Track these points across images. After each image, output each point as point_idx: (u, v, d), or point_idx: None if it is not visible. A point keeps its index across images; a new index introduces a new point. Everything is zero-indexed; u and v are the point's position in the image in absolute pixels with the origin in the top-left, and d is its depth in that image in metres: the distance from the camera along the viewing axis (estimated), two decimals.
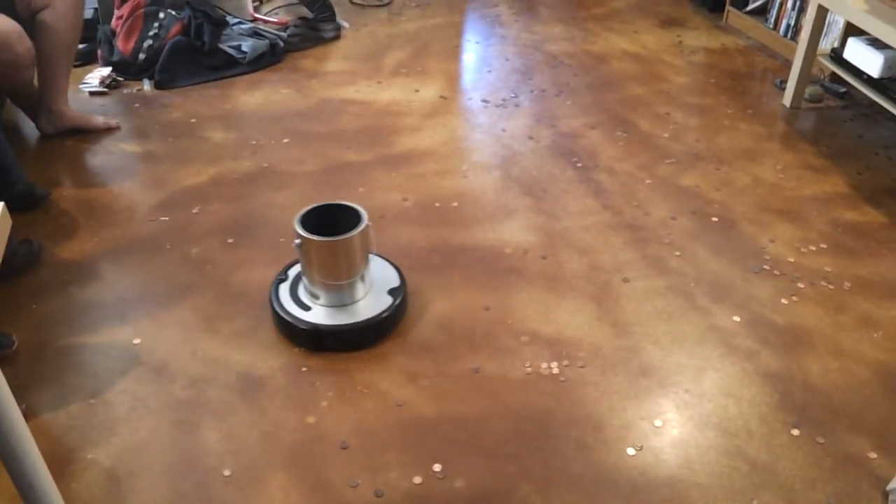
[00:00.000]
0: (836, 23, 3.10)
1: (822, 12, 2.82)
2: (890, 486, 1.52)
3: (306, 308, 1.93)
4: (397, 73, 3.25)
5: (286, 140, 2.76)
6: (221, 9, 3.59)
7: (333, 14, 3.61)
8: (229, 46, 3.28)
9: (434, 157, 2.67)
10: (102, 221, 2.34)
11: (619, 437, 1.64)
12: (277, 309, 1.92)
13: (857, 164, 2.67)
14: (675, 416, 1.70)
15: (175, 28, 3.22)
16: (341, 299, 1.93)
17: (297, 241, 1.87)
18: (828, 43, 3.12)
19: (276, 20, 3.66)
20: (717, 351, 1.87)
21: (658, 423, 1.68)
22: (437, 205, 2.42)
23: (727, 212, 2.39)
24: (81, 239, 2.27)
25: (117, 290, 2.08)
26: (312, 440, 1.64)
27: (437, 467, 1.57)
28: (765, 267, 2.16)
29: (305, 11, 3.61)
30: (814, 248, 2.24)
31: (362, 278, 1.94)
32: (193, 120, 2.89)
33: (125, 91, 3.11)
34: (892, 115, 2.93)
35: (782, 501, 1.50)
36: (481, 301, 2.03)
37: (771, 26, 3.50)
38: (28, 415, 1.68)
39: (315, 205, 1.94)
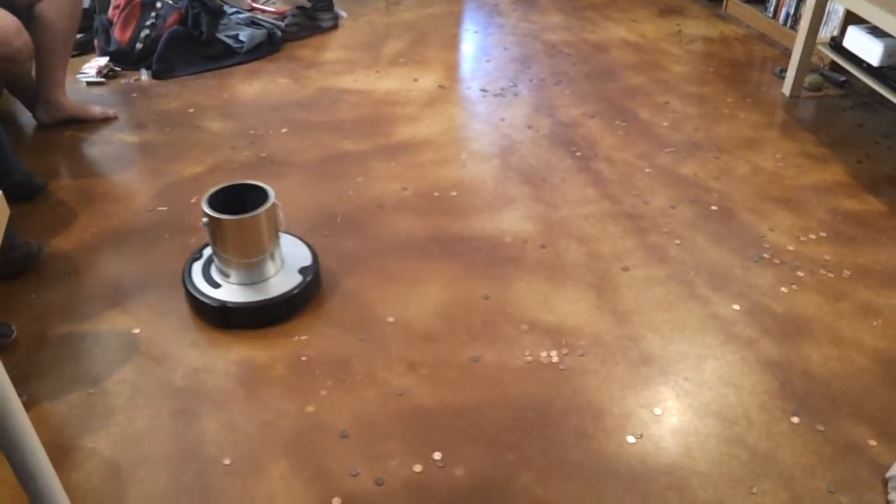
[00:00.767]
0: (836, 11, 3.10)
1: (822, 0, 2.81)
2: (889, 474, 1.52)
3: (216, 286, 1.95)
4: (395, 63, 3.24)
5: (284, 130, 2.75)
6: None
7: (331, 3, 3.60)
8: (227, 36, 3.27)
9: (433, 147, 2.66)
10: (100, 212, 2.34)
11: (619, 426, 1.64)
12: (188, 286, 1.95)
13: (857, 152, 2.67)
14: (675, 404, 1.70)
15: (172, 17, 3.21)
16: (251, 277, 1.95)
17: (204, 219, 1.89)
18: (827, 31, 3.11)
19: (273, 9, 3.64)
20: (717, 339, 1.87)
21: (658, 411, 1.68)
22: (435, 194, 2.41)
23: (727, 200, 2.38)
24: (80, 229, 2.26)
25: (116, 280, 2.07)
26: (312, 429, 1.63)
27: (437, 455, 1.57)
28: (764, 255, 2.16)
29: (303, 1, 3.59)
30: (813, 237, 2.23)
31: (272, 256, 1.97)
32: (191, 110, 2.88)
33: (122, 81, 3.10)
34: (892, 103, 2.92)
35: (782, 489, 1.50)
36: (481, 290, 2.03)
37: (770, 15, 3.49)
38: (28, 405, 1.68)
39: (224, 185, 1.97)
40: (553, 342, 1.86)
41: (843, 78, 3.13)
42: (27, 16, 2.50)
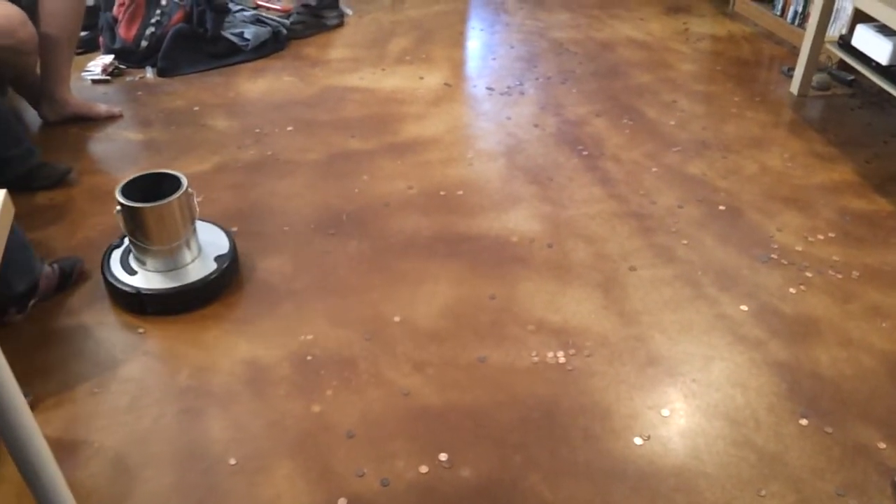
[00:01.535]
0: (845, 9, 3.08)
1: None
2: None
3: (132, 273, 1.97)
4: (401, 61, 3.23)
5: (290, 128, 2.75)
6: None
7: (337, 1, 3.59)
8: (232, 34, 3.26)
9: (439, 145, 2.65)
10: (106, 210, 2.33)
11: (627, 427, 1.63)
12: (105, 273, 1.98)
13: (865, 152, 2.65)
14: (683, 405, 1.69)
15: (177, 15, 3.20)
16: (167, 264, 1.98)
17: (118, 208, 1.91)
18: (836, 30, 3.09)
19: (278, 7, 3.63)
20: (725, 340, 1.86)
21: (665, 412, 1.67)
22: (442, 193, 2.40)
23: (734, 200, 2.37)
24: (84, 227, 2.26)
25: None
26: (318, 429, 1.63)
27: (443, 456, 1.57)
28: (772, 256, 2.14)
29: None
30: (822, 237, 2.22)
31: (188, 244, 2.00)
32: (196, 108, 2.88)
33: (128, 79, 3.10)
34: None
35: (790, 492, 1.49)
36: (487, 290, 2.02)
37: (778, 13, 3.48)
38: (33, 404, 1.67)
39: (139, 174, 1.99)
40: (560, 342, 1.85)
41: (851, 77, 3.11)
42: (32, 10, 2.50)
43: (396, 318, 1.93)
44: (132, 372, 1.78)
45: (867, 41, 2.69)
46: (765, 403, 1.69)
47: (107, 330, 1.91)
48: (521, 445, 1.59)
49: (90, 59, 3.13)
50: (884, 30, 2.64)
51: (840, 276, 2.07)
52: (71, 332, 1.90)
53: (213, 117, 2.82)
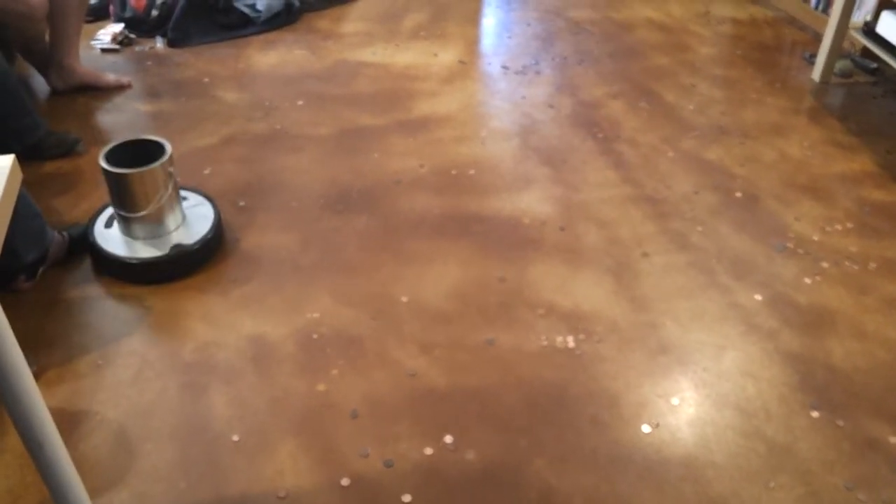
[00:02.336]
0: None
1: None
2: None
3: (119, 241, 1.99)
4: (415, 37, 3.18)
5: (300, 102, 2.71)
6: None
7: None
8: (244, 5, 3.22)
9: (452, 123, 2.61)
10: None
11: (635, 414, 1.61)
12: (93, 241, 1.98)
13: (887, 142, 2.60)
14: (693, 394, 1.66)
15: None
16: (150, 232, 1.98)
17: (105, 176, 1.91)
18: (860, 16, 3.03)
19: None
20: (738, 329, 1.83)
21: (675, 400, 1.64)
22: (453, 172, 2.37)
23: (751, 188, 2.33)
24: (91, 199, 2.24)
25: None
26: (322, 408, 1.61)
27: (448, 439, 1.55)
28: (788, 245, 2.10)
29: None
30: (839, 228, 2.18)
31: (171, 210, 1.99)
32: (206, 79, 2.84)
33: (137, 49, 3.06)
34: None
35: (800, 484, 1.46)
36: (497, 272, 1.99)
37: None
38: (37, 374, 1.66)
39: (122, 140, 1.99)
40: (569, 327, 1.82)
41: (874, 65, 3.05)
42: None
43: (404, 298, 1.90)
44: (136, 345, 1.76)
45: (893, 28, 2.63)
46: (776, 394, 1.66)
47: (112, 301, 1.89)
48: (528, 430, 1.57)
49: (100, 28, 3.10)
50: None
51: (857, 267, 2.03)
52: (77, 303, 1.88)
53: (223, 89, 2.78)
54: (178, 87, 2.80)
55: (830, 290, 1.95)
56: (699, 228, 2.16)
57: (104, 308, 1.87)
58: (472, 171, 2.36)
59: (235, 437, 1.54)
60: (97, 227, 2.02)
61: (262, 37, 3.15)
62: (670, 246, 2.09)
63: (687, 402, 1.64)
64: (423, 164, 2.40)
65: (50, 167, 2.33)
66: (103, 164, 1.89)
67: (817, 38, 3.22)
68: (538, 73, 2.93)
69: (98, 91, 2.75)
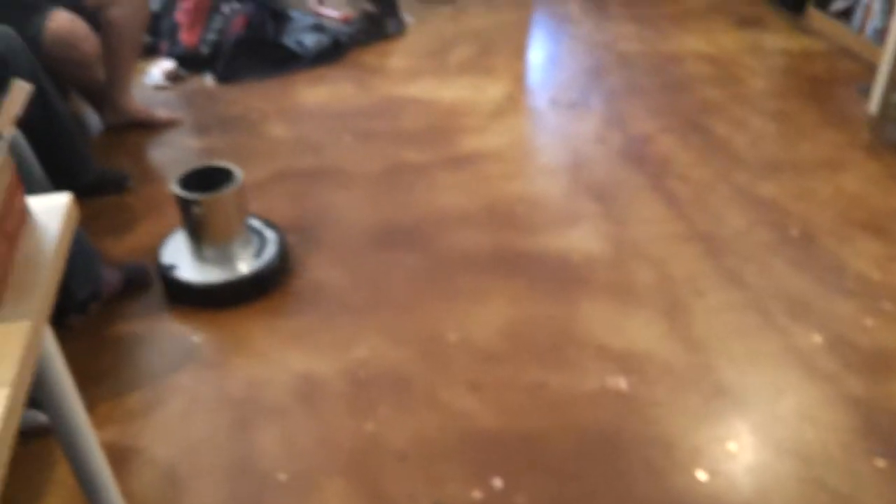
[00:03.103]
0: None
1: None
2: None
3: (189, 266, 2.04)
4: (462, 71, 3.19)
5: (347, 138, 2.73)
6: (285, 2, 3.58)
7: (397, 9, 3.58)
8: (292, 41, 3.27)
9: (499, 159, 2.60)
10: (163, 216, 2.33)
11: (690, 460, 1.56)
12: (161, 266, 2.03)
13: None
14: (751, 439, 1.61)
15: (239, 21, 3.22)
16: (219, 257, 2.03)
17: (180, 203, 1.98)
18: None
19: (339, 15, 3.63)
20: (796, 372, 1.77)
21: (732, 446, 1.59)
22: (501, 208, 2.35)
23: (807, 224, 2.27)
24: (142, 233, 2.27)
25: None
26: (370, 447, 1.59)
27: (497, 482, 1.52)
28: (848, 284, 2.04)
29: (369, 6, 3.58)
30: None
31: (241, 236, 2.05)
32: (254, 115, 2.88)
33: (188, 84, 3.12)
34: None
35: None
36: (547, 310, 1.96)
37: (856, 29, 3.35)
38: (88, 408, 1.66)
39: (194, 167, 2.05)
40: (622, 368, 1.78)
41: None
42: (96, 19, 2.52)
43: (453, 337, 1.88)
44: (186, 381, 1.77)
45: None
46: (838, 441, 1.60)
47: (163, 337, 1.91)
48: (579, 475, 1.53)
49: (152, 64, 3.16)
50: None
51: None
52: (128, 338, 1.90)
53: (271, 125, 2.82)
54: (228, 122, 2.84)
55: (893, 332, 1.89)
56: (754, 266, 2.10)
57: (155, 343, 1.89)
58: (520, 208, 2.35)
59: (283, 477, 1.53)
60: (166, 252, 2.08)
61: (309, 73, 3.18)
62: (724, 284, 2.04)
63: (744, 447, 1.59)
64: (471, 200, 2.39)
65: (99, 203, 2.37)
66: (177, 191, 1.94)
67: (872, 70, 3.15)
68: (587, 107, 2.92)
69: (149, 127, 2.80)
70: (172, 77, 3.13)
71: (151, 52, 3.25)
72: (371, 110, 2.92)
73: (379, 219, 2.31)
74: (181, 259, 2.05)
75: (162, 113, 2.84)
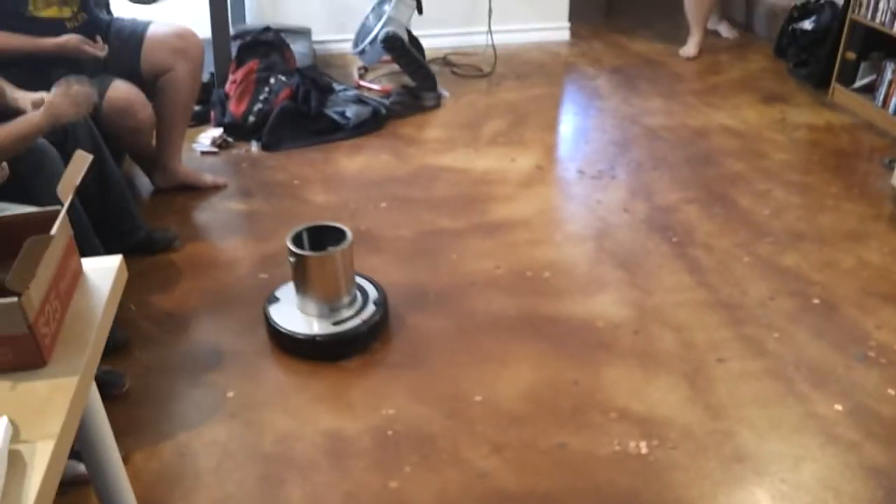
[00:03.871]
0: None
1: None
2: None
3: (297, 320, 2.13)
4: (495, 142, 3.30)
5: (384, 204, 2.83)
6: (329, 76, 3.75)
7: (435, 83, 3.71)
8: (334, 112, 3.41)
9: (528, 227, 2.68)
10: (206, 275, 2.44)
11: None
12: (270, 320, 2.13)
13: None
14: None
15: (284, 93, 3.37)
16: (329, 311, 2.13)
17: (291, 258, 2.09)
18: None
19: (379, 88, 3.79)
20: (817, 440, 1.79)
21: None
22: (528, 274, 2.42)
23: (830, 294, 2.30)
24: (185, 291, 2.37)
25: (215, 342, 2.15)
26: None
27: None
28: (870, 354, 2.06)
29: (408, 80, 3.72)
30: None
31: (348, 291, 2.17)
32: (296, 181, 3.00)
33: (234, 151, 3.26)
34: None
35: None
36: (571, 374, 2.01)
37: (879, 104, 3.41)
38: (124, 460, 1.74)
39: (305, 225, 2.21)
40: (643, 432, 1.82)
41: None
42: (151, 88, 2.69)
43: (478, 398, 1.94)
44: (219, 434, 1.83)
45: None
46: None
47: (197, 390, 1.99)
48: None
49: (201, 132, 3.32)
50: None
51: None
52: (163, 392, 1.98)
53: (312, 191, 2.93)
54: (270, 188, 2.97)
55: None
56: (776, 335, 2.14)
57: (189, 398, 1.96)
58: (546, 274, 2.41)
59: None
60: (275, 302, 2.21)
61: (350, 142, 3.31)
62: (746, 352, 2.08)
63: None
64: (500, 266, 2.46)
65: (147, 261, 2.48)
66: (290, 247, 2.09)
67: None
68: (613, 178, 3.00)
69: (196, 190, 2.93)
70: (219, 144, 3.27)
71: (201, 121, 3.42)
72: (407, 178, 3.02)
73: (410, 282, 2.39)
74: (285, 306, 2.19)
75: (208, 177, 2.97)
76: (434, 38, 4.18)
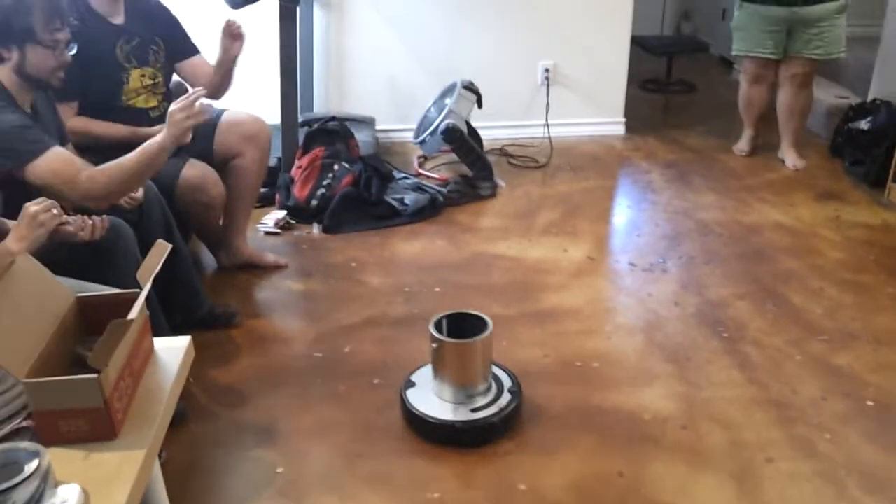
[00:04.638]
0: None
1: None
2: None
3: (433, 406, 2.14)
4: (548, 232, 3.37)
5: (438, 289, 2.90)
6: (390, 163, 3.89)
7: (491, 173, 3.82)
8: (393, 198, 3.53)
9: (578, 317, 2.71)
10: (263, 351, 2.53)
11: None
12: (409, 406, 2.14)
13: None
14: None
15: (346, 179, 3.51)
16: (466, 398, 2.14)
17: (434, 344, 2.10)
18: None
19: (437, 176, 3.91)
20: None
21: None
22: (577, 364, 2.44)
23: (885, 397, 2.27)
24: (241, 365, 2.45)
25: (267, 418, 2.22)
26: None
27: None
28: None
29: (466, 169, 3.84)
30: None
31: (486, 379, 2.18)
32: (354, 264, 3.10)
33: (296, 233, 3.39)
34: None
35: None
36: (616, 466, 2.01)
37: None
38: None
39: (446, 313, 2.23)
40: None
41: None
42: (222, 170, 2.84)
43: (522, 486, 1.95)
44: None
45: None
46: None
47: (248, 465, 2.04)
48: None
49: (265, 213, 3.46)
50: None
51: None
52: (215, 465, 2.03)
53: (369, 274, 3.03)
54: (329, 269, 3.07)
55: None
56: (827, 436, 2.11)
57: (239, 472, 2.02)
58: (596, 364, 2.43)
59: None
60: (411, 387, 2.24)
61: (407, 227, 3.42)
62: (796, 453, 2.05)
63: None
64: (549, 355, 2.49)
65: (208, 335, 2.57)
66: (433, 332, 2.14)
67: None
68: (665, 271, 3.03)
69: (258, 269, 3.05)
70: (283, 225, 3.41)
71: (266, 203, 3.57)
72: (461, 265, 3.10)
73: None
74: (422, 389, 2.23)
75: (270, 257, 3.09)
76: (492, 129, 4.32)
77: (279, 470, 2.01)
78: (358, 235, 3.34)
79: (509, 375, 2.27)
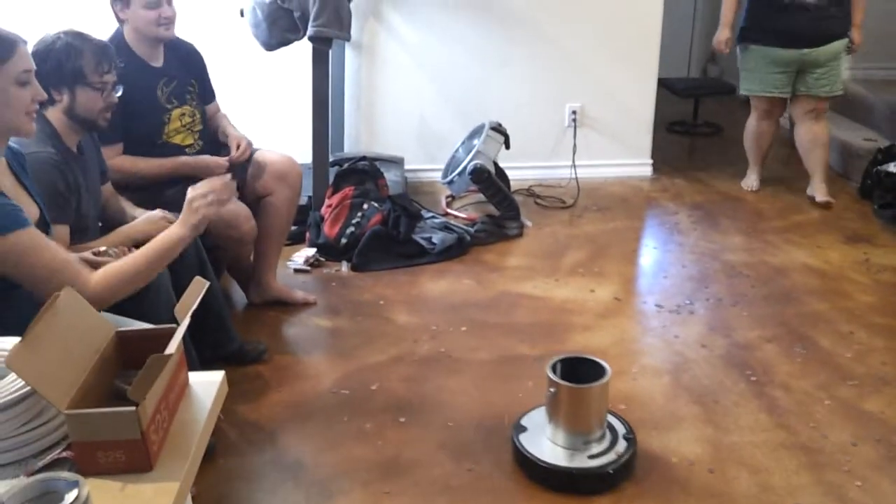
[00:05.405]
0: None
1: None
2: None
3: (548, 451, 2.12)
4: (574, 273, 3.38)
5: (464, 328, 2.92)
6: (418, 203, 3.94)
7: (518, 213, 3.85)
8: (421, 237, 3.57)
9: (604, 358, 2.66)
10: (290, 388, 2.55)
11: None
12: (523, 451, 2.12)
13: None
14: None
15: (375, 218, 3.57)
16: (581, 444, 2.11)
17: (552, 389, 2.09)
18: None
19: (465, 216, 3.95)
20: None
21: None
22: None
23: None
24: (269, 402, 2.48)
25: (295, 454, 2.24)
26: None
27: None
28: None
29: (493, 209, 3.88)
30: None
31: (601, 426, 2.15)
32: (381, 302, 3.13)
33: (325, 271, 3.43)
34: None
35: None
36: None
37: None
38: None
39: (561, 356, 2.21)
40: None
41: None
42: (254, 207, 2.90)
43: None
44: None
45: None
46: None
47: (275, 500, 2.05)
48: None
49: (295, 251, 3.51)
50: None
51: None
52: (242, 498, 2.05)
53: (395, 312, 3.05)
54: (357, 307, 3.10)
55: None
56: (858, 483, 2.09)
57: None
58: (622, 406, 2.43)
59: None
60: (522, 431, 2.22)
61: (434, 266, 3.45)
62: (826, 499, 2.03)
63: None
64: None
65: (237, 371, 2.60)
66: (551, 376, 2.12)
67: None
68: (692, 312, 3.03)
69: (287, 305, 3.09)
70: (312, 263, 3.46)
71: (296, 240, 3.62)
72: (487, 304, 3.12)
73: (486, 407, 2.43)
74: (534, 431, 2.21)
75: (300, 294, 3.14)
76: (520, 169, 4.36)
77: None
78: (386, 274, 3.38)
79: (622, 422, 2.23)
